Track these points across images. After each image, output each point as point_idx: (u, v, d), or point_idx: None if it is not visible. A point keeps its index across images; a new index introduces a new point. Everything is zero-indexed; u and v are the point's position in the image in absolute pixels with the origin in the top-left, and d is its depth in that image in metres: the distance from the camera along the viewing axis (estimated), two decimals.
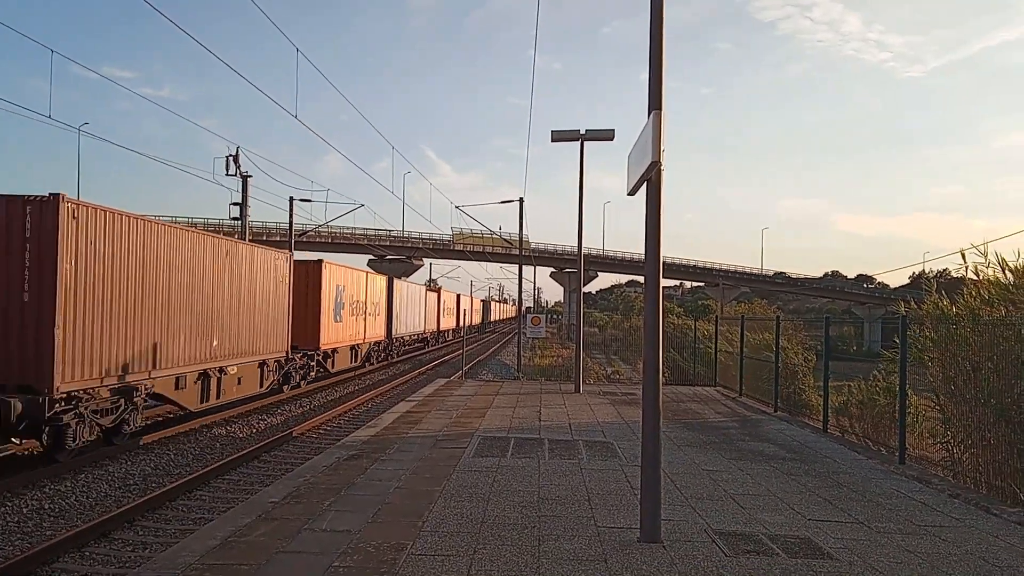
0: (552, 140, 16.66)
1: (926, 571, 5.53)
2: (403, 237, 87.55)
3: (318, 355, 22.84)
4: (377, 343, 31.21)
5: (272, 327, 18.86)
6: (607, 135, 16.48)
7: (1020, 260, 9.54)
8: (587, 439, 10.76)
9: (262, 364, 18.37)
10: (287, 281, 19.85)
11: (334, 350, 24.53)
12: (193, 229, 15.62)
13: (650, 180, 6.23)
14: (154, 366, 13.22)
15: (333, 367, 24.78)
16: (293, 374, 21.00)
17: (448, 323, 52.96)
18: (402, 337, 36.78)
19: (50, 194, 10.68)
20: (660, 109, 6.08)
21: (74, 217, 10.93)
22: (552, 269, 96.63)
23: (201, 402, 15.28)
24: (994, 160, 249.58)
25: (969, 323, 9.25)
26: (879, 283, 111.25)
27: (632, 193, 6.81)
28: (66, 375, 10.78)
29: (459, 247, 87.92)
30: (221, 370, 15.97)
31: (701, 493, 7.77)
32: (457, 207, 58.49)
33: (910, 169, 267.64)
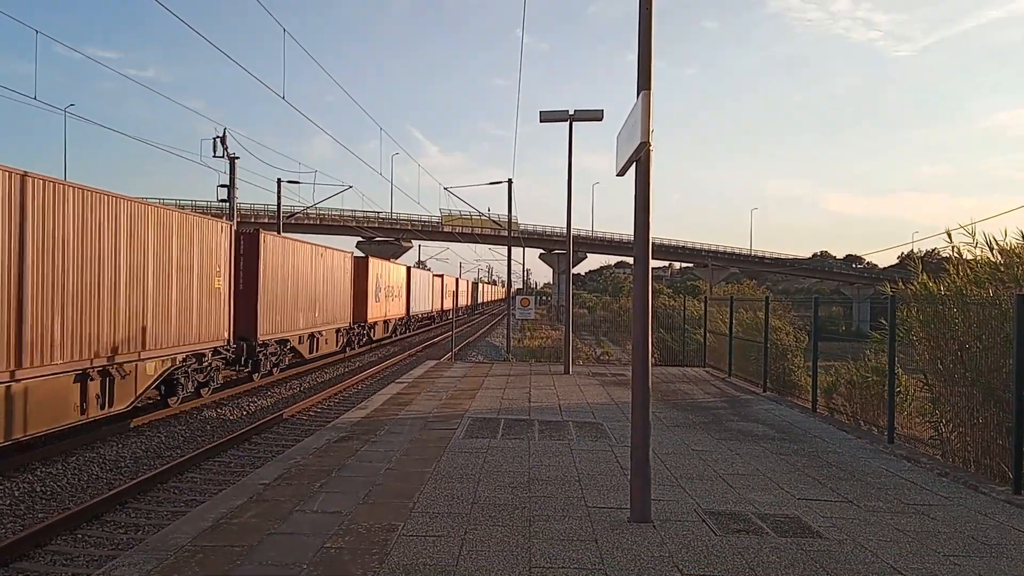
0: (541, 120, 16.57)
1: (915, 549, 5.59)
2: (392, 219, 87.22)
3: (366, 326, 30.51)
4: (401, 319, 39.08)
5: (342, 305, 26.48)
6: (596, 115, 16.40)
7: (1008, 240, 9.59)
8: (577, 420, 10.79)
9: (338, 331, 26.24)
10: (350, 273, 27.75)
11: (375, 323, 32.34)
12: (303, 241, 23.04)
13: (639, 161, 6.20)
14: (290, 329, 21.06)
15: (374, 336, 32.66)
16: (353, 339, 28.77)
17: (448, 304, 60.41)
18: (417, 314, 44.72)
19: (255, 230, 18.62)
20: (649, 89, 6.04)
21: (265, 241, 18.89)
22: (541, 250, 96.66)
23: (309, 353, 23.13)
24: (981, 139, 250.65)
25: (956, 303, 9.30)
26: (868, 263, 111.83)
27: (621, 174, 6.79)
28: (262, 332, 18.84)
29: (448, 229, 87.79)
30: (320, 333, 23.92)
31: (691, 473, 7.81)
32: (446, 188, 58.67)
33: (898, 148, 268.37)
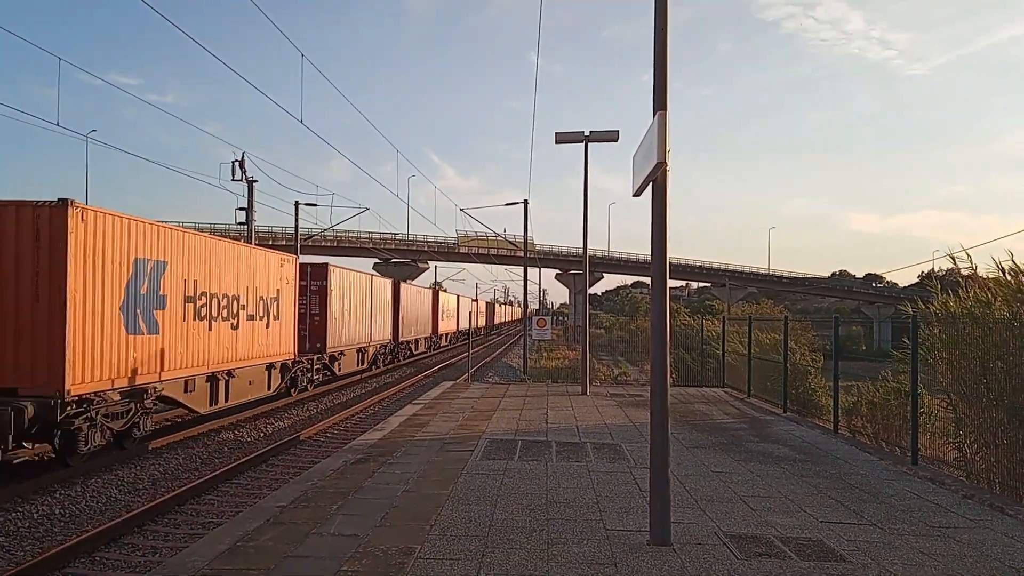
0: (556, 142, 16.64)
1: (940, 573, 5.47)
2: (408, 240, 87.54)
3: (401, 343, 34.87)
4: (435, 336, 45.08)
5: (384, 324, 30.86)
6: (611, 136, 16.44)
7: None
8: (595, 441, 10.71)
9: (382, 345, 31.01)
10: (392, 297, 32.43)
11: (408, 342, 36.88)
12: (362, 272, 28.02)
13: (655, 181, 6.19)
14: (347, 343, 25.28)
15: (413, 351, 38.67)
16: (395, 352, 34.12)
17: (474, 323, 63.97)
18: (449, 333, 51.68)
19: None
20: (665, 110, 6.04)
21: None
22: (557, 271, 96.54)
23: (358, 366, 27.12)
24: (999, 158, 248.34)
25: (978, 323, 9.18)
26: (888, 282, 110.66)
27: (637, 194, 6.77)
28: (331, 344, 23.60)
29: (464, 250, 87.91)
30: (368, 347, 28.25)
31: (711, 495, 7.71)
32: (462, 210, 58.74)
33: (916, 167, 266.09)
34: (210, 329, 14.88)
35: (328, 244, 77.86)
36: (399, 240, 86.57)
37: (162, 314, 13.06)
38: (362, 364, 27.59)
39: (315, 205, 40.52)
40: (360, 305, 26.73)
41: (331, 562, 5.46)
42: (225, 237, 17.93)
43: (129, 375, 12.10)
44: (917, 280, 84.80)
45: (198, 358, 14.41)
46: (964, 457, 9.51)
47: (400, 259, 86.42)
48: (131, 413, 12.41)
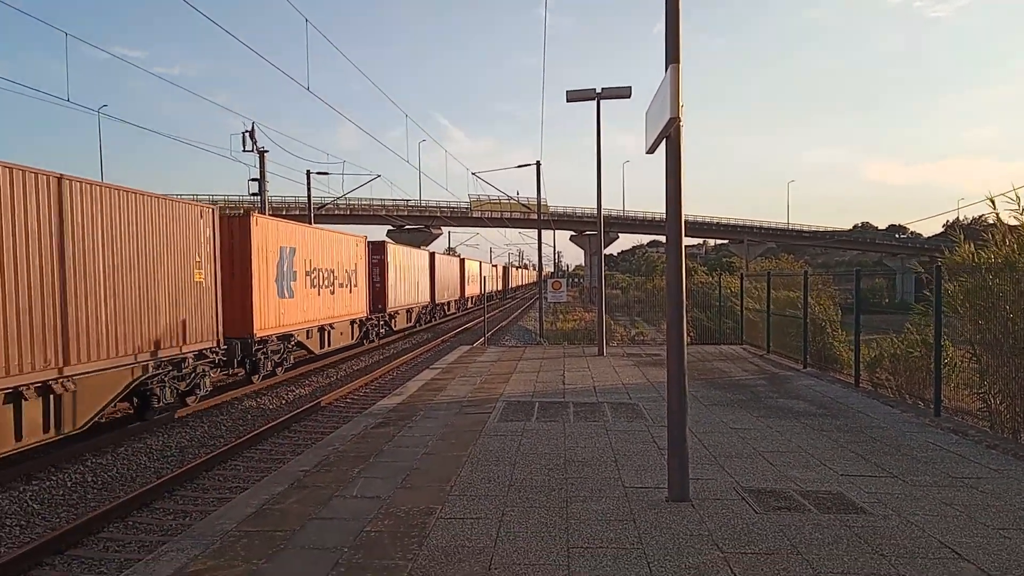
0: (568, 100, 16.39)
1: (963, 523, 5.45)
2: (421, 206, 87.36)
3: (438, 304, 40.44)
4: (462, 299, 50.71)
5: (424, 288, 36.27)
6: (624, 92, 16.18)
7: None
8: (612, 401, 10.73)
9: (424, 307, 36.28)
10: (429, 266, 37.68)
11: (442, 304, 42.13)
12: (410, 247, 35.15)
13: (669, 137, 6.07)
14: (400, 305, 30.84)
15: (446, 312, 44.59)
16: (433, 312, 39.33)
17: (490, 287, 67.45)
18: (474, 296, 55.77)
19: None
20: (678, 62, 5.89)
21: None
22: (572, 232, 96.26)
23: (407, 323, 32.99)
24: None
25: (1003, 272, 9.03)
26: (911, 233, 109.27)
27: (651, 151, 6.66)
28: (390, 305, 29.10)
29: (477, 214, 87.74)
30: (414, 307, 33.83)
31: (730, 451, 7.72)
32: (474, 174, 58.40)
33: (941, 112, 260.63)
34: (319, 295, 20.65)
35: (341, 212, 77.86)
36: (411, 207, 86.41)
37: (294, 284, 18.69)
38: (409, 322, 33.51)
39: (326, 174, 40.49)
40: (408, 273, 32.47)
41: (354, 523, 5.53)
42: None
43: (281, 326, 17.88)
44: (942, 230, 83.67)
45: (313, 315, 20.21)
46: (988, 408, 9.43)
47: (413, 226, 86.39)
48: (283, 351, 18.41)
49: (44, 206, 9.66)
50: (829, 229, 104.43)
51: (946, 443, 8.02)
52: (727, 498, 6.09)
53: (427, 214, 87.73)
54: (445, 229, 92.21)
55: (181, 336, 13.04)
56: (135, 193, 11.85)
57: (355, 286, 24.18)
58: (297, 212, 70.78)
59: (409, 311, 33.06)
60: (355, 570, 4.67)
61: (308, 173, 36.72)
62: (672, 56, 5.95)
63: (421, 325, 36.27)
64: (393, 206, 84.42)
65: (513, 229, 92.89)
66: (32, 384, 9.34)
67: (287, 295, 18.06)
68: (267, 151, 30.02)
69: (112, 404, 11.31)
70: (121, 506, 8.34)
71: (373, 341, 27.60)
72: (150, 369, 12.11)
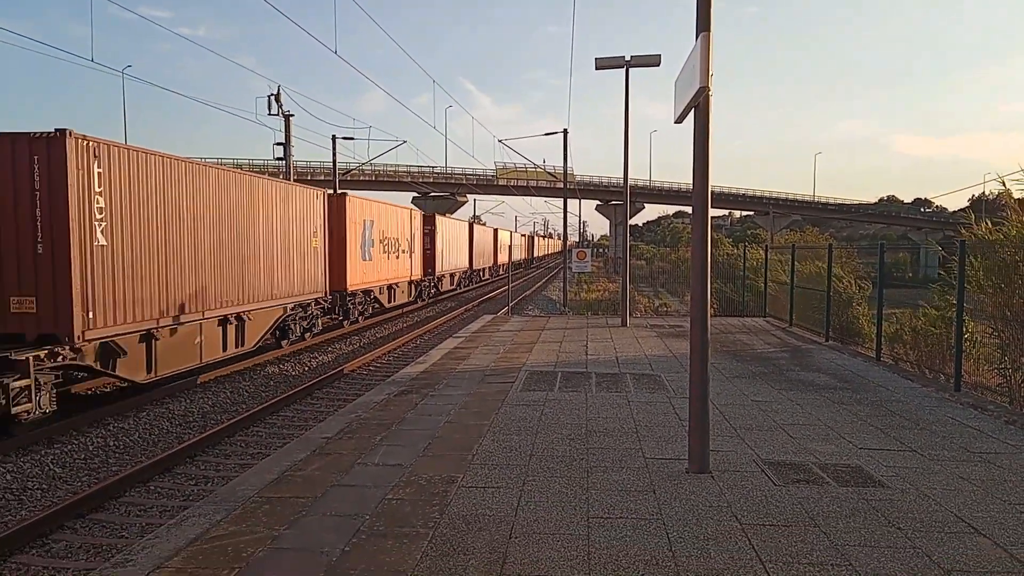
0: (596, 68, 16.22)
1: (980, 497, 5.45)
2: (446, 173, 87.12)
3: (475, 270, 44.92)
4: (496, 266, 54.78)
5: (463, 256, 40.45)
6: (653, 61, 15.96)
7: None
8: (634, 372, 10.77)
9: (463, 272, 40.90)
10: (467, 235, 42.11)
11: (478, 270, 46.63)
12: (456, 219, 41.31)
13: (698, 107, 6.01)
14: (446, 270, 35.41)
15: (482, 277, 48.93)
16: (471, 277, 44.11)
17: (516, 256, 71.33)
18: (504, 263, 58.76)
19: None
20: (708, 31, 5.80)
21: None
22: (598, 202, 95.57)
23: (451, 286, 37.71)
24: None
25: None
26: (937, 207, 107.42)
27: (679, 121, 6.58)
28: (438, 270, 33.94)
29: (503, 182, 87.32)
30: (456, 272, 38.50)
31: (750, 424, 7.73)
32: (500, 141, 58.21)
33: (973, 86, 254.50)
34: (388, 259, 25.32)
35: (366, 178, 77.94)
36: (437, 173, 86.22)
37: (372, 250, 23.28)
38: (452, 284, 38.10)
39: (352, 139, 40.41)
40: (452, 242, 37.18)
41: (376, 491, 5.63)
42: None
43: (364, 283, 22.58)
44: (967, 204, 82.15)
45: (384, 275, 24.91)
46: (1008, 383, 9.35)
47: (439, 193, 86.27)
48: (365, 302, 23.38)
49: (243, 198, 14.72)
50: (855, 202, 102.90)
51: (965, 418, 7.98)
52: (747, 470, 6.12)
53: (452, 181, 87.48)
54: (471, 197, 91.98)
55: (305, 287, 17.81)
56: (284, 183, 17.04)
57: (413, 253, 29.09)
58: (323, 177, 70.99)
59: (452, 275, 37.71)
60: (376, 537, 4.77)
61: (334, 138, 36.77)
62: (703, 24, 5.86)
63: (462, 288, 41.20)
64: (419, 173, 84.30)
65: (539, 198, 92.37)
66: (231, 314, 14.22)
67: (367, 258, 22.80)
68: (292, 115, 29.99)
69: (269, 333, 16.18)
70: (143, 471, 8.45)
71: (424, 300, 32.09)
72: (287, 310, 16.95)
